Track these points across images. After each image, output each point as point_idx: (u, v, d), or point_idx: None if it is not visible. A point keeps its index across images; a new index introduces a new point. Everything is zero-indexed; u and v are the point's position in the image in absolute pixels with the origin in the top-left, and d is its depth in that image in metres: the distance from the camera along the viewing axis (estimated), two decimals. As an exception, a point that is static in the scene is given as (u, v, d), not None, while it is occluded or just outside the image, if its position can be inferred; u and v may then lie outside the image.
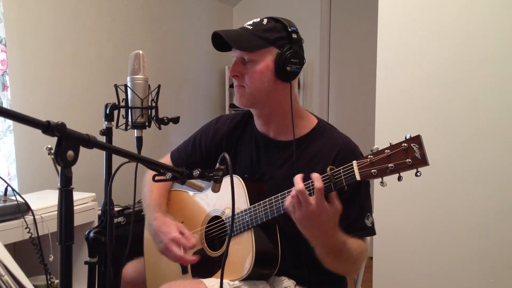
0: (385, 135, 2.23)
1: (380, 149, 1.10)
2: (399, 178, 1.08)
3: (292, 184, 1.19)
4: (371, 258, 2.37)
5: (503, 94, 2.08)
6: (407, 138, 1.06)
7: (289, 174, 1.33)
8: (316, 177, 1.14)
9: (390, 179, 1.09)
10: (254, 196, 1.35)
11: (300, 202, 1.14)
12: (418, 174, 1.05)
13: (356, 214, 1.33)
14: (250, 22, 1.37)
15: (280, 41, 1.32)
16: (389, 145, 1.09)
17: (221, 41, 1.34)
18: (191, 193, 1.58)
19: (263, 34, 1.32)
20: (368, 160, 1.10)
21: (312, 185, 1.15)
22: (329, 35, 4.00)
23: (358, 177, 1.12)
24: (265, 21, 1.36)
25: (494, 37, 2.08)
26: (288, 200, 1.17)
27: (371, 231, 1.36)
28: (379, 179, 1.10)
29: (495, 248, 2.11)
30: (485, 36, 2.10)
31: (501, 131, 2.09)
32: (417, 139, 1.05)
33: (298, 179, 1.16)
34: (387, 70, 2.29)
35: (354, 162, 1.13)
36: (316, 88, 4.03)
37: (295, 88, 1.41)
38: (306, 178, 1.20)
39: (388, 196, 2.28)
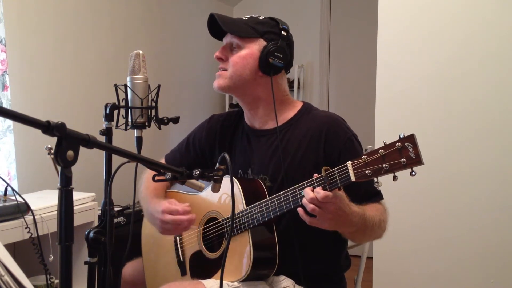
0: (385, 135, 2.22)
1: (374, 149, 1.10)
2: (394, 178, 1.08)
3: (287, 170, 1.20)
4: (371, 258, 2.37)
5: (503, 94, 2.08)
6: (401, 137, 1.06)
7: (283, 160, 1.36)
8: (307, 190, 1.14)
9: (387, 178, 1.09)
10: (250, 197, 1.35)
11: (323, 203, 1.11)
12: (413, 173, 1.04)
13: (366, 183, 1.33)
14: (248, 15, 1.43)
15: (269, 35, 1.37)
16: (383, 145, 1.08)
17: (216, 29, 1.39)
18: (187, 194, 1.58)
19: (255, 25, 1.38)
20: (363, 160, 1.10)
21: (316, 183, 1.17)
22: (329, 35, 4.00)
23: (353, 178, 1.12)
24: (261, 17, 1.42)
25: (494, 37, 2.08)
26: (302, 211, 1.15)
27: (381, 195, 1.38)
28: (374, 179, 1.10)
29: (495, 248, 2.11)
30: (484, 36, 2.10)
31: (501, 130, 2.09)
32: (411, 138, 1.04)
33: (308, 190, 1.14)
34: (387, 70, 2.29)
35: (349, 163, 1.12)
36: (316, 88, 4.03)
37: (280, 84, 1.43)
38: (300, 160, 1.26)
39: (387, 196, 2.27)
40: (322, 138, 1.35)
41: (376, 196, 1.36)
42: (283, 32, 1.37)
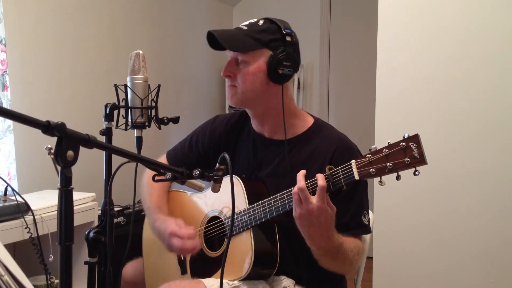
0: (385, 135, 2.23)
1: (378, 148, 1.10)
2: (398, 177, 1.08)
3: (290, 183, 1.20)
4: (371, 258, 2.37)
5: (503, 94, 2.08)
6: (405, 137, 1.06)
7: (286, 173, 1.34)
8: (320, 176, 1.15)
9: (390, 178, 1.09)
10: (252, 196, 1.35)
11: (300, 199, 1.14)
12: (417, 173, 1.05)
13: (354, 211, 1.34)
14: (246, 23, 1.37)
15: (273, 43, 1.32)
16: (387, 144, 1.09)
17: (216, 40, 1.34)
18: (189, 193, 1.58)
19: (257, 35, 1.32)
20: (367, 159, 1.10)
21: (314, 183, 1.16)
22: (329, 35, 4.00)
23: (356, 177, 1.12)
24: (261, 22, 1.36)
25: (494, 37, 2.08)
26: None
27: (367, 229, 1.37)
28: (378, 178, 1.11)
29: (495, 248, 2.11)
30: (484, 36, 2.10)
31: (501, 130, 2.09)
32: (415, 138, 1.05)
33: (300, 176, 1.16)
34: (387, 70, 2.29)
35: (353, 162, 1.13)
36: (316, 88, 4.03)
37: (289, 89, 1.40)
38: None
39: (388, 196, 2.28)
40: (328, 157, 1.34)
41: (359, 228, 1.34)
42: (287, 38, 1.32)
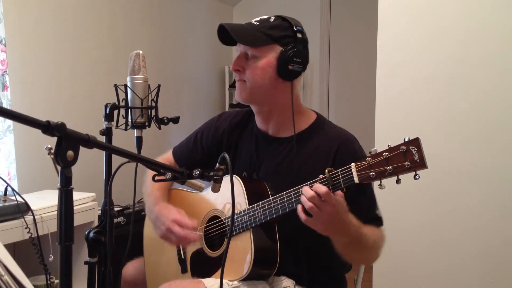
0: (385, 135, 2.23)
1: (378, 151, 1.10)
2: (398, 181, 1.07)
3: (292, 181, 1.20)
4: (371, 258, 2.37)
5: (503, 94, 2.08)
6: (406, 140, 1.06)
7: (288, 170, 1.34)
8: (317, 185, 1.14)
9: (390, 180, 1.09)
10: (253, 196, 1.35)
11: (323, 203, 1.11)
12: (417, 177, 1.04)
13: (368, 205, 1.33)
14: (257, 19, 1.37)
15: (284, 39, 1.32)
16: (387, 148, 1.08)
17: (226, 35, 1.34)
18: (190, 192, 1.58)
19: (268, 31, 1.33)
20: (367, 162, 1.10)
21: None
22: (329, 35, 4.00)
23: (356, 180, 1.11)
24: (272, 18, 1.36)
25: (494, 37, 2.08)
26: (301, 208, 1.15)
27: (382, 221, 1.36)
28: (378, 182, 1.10)
29: (495, 248, 2.11)
30: (484, 36, 2.10)
31: (501, 131, 2.09)
32: (415, 142, 1.04)
33: (307, 188, 1.14)
34: (387, 70, 2.29)
35: (353, 165, 1.12)
36: (316, 88, 4.03)
37: (297, 87, 1.39)
38: (306, 174, 1.21)
39: (388, 196, 2.26)
40: (331, 155, 1.34)
41: (375, 221, 1.34)
42: (298, 35, 1.32)
